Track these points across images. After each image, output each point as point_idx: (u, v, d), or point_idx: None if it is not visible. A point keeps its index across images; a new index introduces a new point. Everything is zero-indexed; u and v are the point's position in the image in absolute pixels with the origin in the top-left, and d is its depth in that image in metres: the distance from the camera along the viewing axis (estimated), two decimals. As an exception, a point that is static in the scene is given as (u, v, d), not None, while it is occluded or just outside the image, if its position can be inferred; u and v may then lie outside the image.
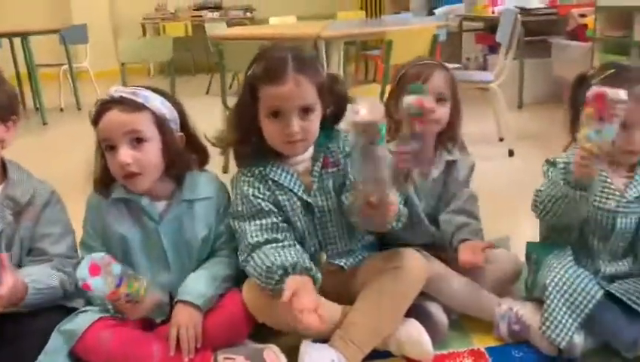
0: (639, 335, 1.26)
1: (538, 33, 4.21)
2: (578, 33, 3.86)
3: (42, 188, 1.37)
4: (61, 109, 4.90)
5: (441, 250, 1.53)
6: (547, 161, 1.42)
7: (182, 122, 1.39)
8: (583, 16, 3.82)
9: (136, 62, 3.28)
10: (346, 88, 1.47)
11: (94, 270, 1.12)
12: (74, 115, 4.73)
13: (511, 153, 3.00)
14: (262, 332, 1.35)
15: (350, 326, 1.29)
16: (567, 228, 1.39)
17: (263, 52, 1.36)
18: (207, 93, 5.26)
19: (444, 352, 1.36)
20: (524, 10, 4.05)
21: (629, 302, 1.29)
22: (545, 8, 4.17)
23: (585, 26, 3.73)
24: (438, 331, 1.38)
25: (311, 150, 1.40)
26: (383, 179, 1.16)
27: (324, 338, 1.30)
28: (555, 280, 1.30)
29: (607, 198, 1.35)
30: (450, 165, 1.55)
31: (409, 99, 1.29)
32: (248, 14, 6.95)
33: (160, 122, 1.31)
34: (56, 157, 3.23)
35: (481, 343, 1.39)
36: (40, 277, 1.26)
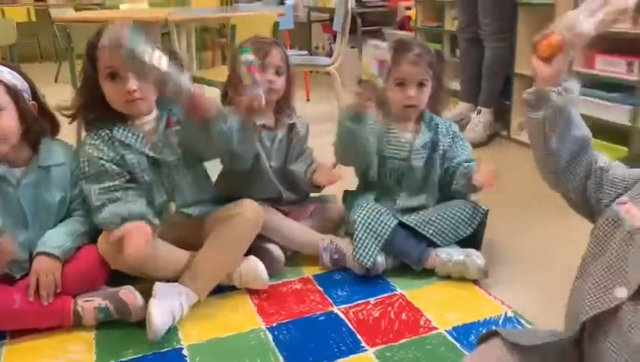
0: (423, 253, 1.65)
1: (374, 24, 4.70)
2: (405, 23, 4.39)
3: None
4: None
5: (284, 205, 1.81)
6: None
7: (32, 93, 1.50)
8: (408, 8, 4.36)
9: (-25, 45, 3.14)
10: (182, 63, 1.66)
11: None
12: None
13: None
14: (118, 280, 1.49)
15: (197, 264, 1.50)
16: (365, 173, 1.74)
17: (104, 27, 1.52)
18: (56, 81, 5.08)
19: (279, 282, 1.64)
20: (359, 3, 4.51)
21: (416, 228, 1.66)
22: (377, 1, 4.67)
23: (409, 17, 4.26)
24: (276, 266, 1.66)
25: (155, 112, 1.59)
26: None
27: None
28: (361, 215, 1.63)
29: (399, 149, 1.71)
30: (291, 127, 1.82)
31: (244, 55, 1.53)
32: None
33: (12, 92, 1.42)
34: None
35: (310, 272, 1.69)
36: None
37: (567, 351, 0.96)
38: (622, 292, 0.87)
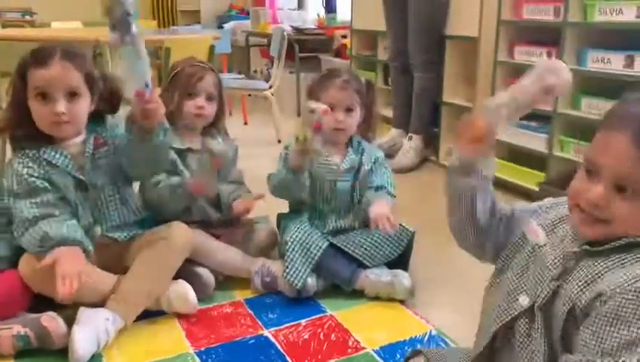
0: (353, 274, 1.69)
1: (311, 50, 4.80)
2: (341, 51, 4.52)
3: None
4: None
5: (214, 227, 1.80)
6: (285, 147, 1.79)
7: None
8: (344, 37, 4.49)
9: None
10: (119, 88, 1.66)
11: None
12: None
13: (286, 148, 3.42)
14: (41, 308, 1.43)
15: (123, 290, 1.47)
16: (300, 201, 1.78)
17: (36, 47, 1.49)
18: (-20, 99, 4.86)
19: (210, 306, 1.63)
20: (297, 30, 4.61)
21: (346, 249, 1.70)
22: (315, 29, 4.78)
23: (345, 45, 4.39)
24: (206, 290, 1.65)
25: (83, 135, 1.56)
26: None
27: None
28: (293, 236, 1.66)
29: (328, 172, 1.76)
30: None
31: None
32: (28, 17, 6.51)
33: None
34: None
35: (241, 296, 1.69)
36: None
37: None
38: (524, 300, 0.93)
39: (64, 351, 1.34)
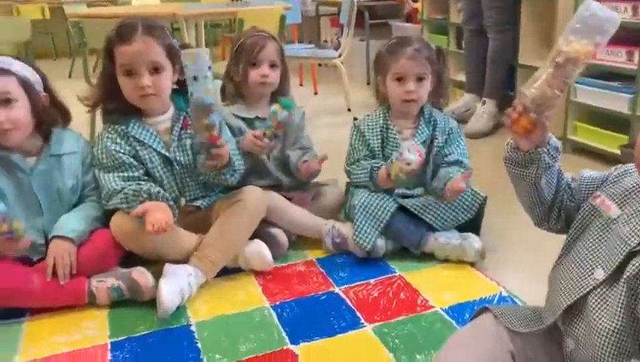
0: (423, 236, 1.70)
1: (381, 17, 4.74)
2: (412, 16, 4.43)
3: None
4: None
5: (285, 190, 1.87)
6: (354, 124, 1.82)
7: (44, 85, 1.58)
8: (415, 1, 4.39)
9: (-8, 41, 3.27)
10: None
11: None
12: None
13: (355, 120, 3.44)
14: (131, 263, 1.57)
15: (205, 247, 1.58)
16: None
17: (119, 23, 1.60)
18: (70, 76, 5.19)
19: (284, 264, 1.71)
20: (367, -4, 4.55)
21: (415, 212, 1.72)
22: (385, -7, 4.71)
23: (416, 10, 4.30)
24: (280, 249, 1.73)
25: (171, 111, 1.67)
26: (204, 101, 1.43)
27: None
28: (361, 200, 1.69)
29: (396, 150, 1.76)
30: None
31: (284, 114, 1.65)
32: (110, -4, 6.84)
33: (25, 84, 1.50)
34: None
35: (313, 255, 1.76)
36: None
37: (550, 329, 1.01)
38: (599, 274, 0.91)
39: (152, 303, 1.46)
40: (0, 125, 1.45)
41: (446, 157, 1.77)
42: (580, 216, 1.01)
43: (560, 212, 1.07)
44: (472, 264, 1.67)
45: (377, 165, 1.72)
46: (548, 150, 1.01)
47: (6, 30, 3.39)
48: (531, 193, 1.06)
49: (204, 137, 1.48)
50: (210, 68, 1.41)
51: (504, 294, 1.51)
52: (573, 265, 0.97)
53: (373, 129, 1.80)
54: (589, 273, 0.93)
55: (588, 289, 0.91)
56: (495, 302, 1.48)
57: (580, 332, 0.93)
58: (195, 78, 1.40)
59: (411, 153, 1.57)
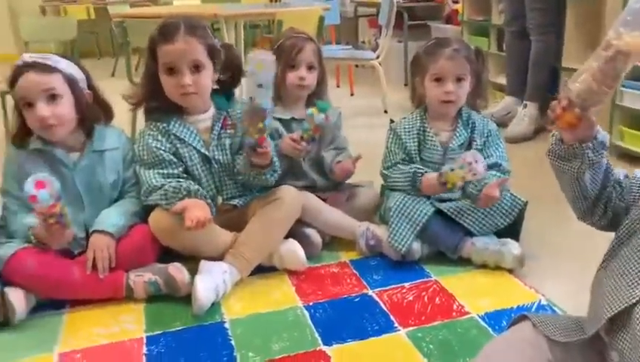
0: (460, 241, 1.67)
1: (421, 18, 4.70)
2: (452, 17, 4.37)
3: None
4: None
5: (319, 190, 1.87)
6: (390, 126, 1.80)
7: (88, 82, 1.62)
8: (455, 2, 4.33)
9: (40, 40, 3.37)
10: (239, 57, 1.77)
11: (39, 185, 1.33)
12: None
13: (392, 122, 3.42)
14: (168, 259, 1.59)
15: (240, 245, 1.59)
16: None
17: (161, 23, 1.63)
18: (113, 75, 5.33)
19: (318, 265, 1.70)
20: (406, -3, 4.52)
21: (452, 216, 1.69)
22: (425, -5, 4.66)
23: (456, 11, 4.24)
24: (313, 249, 1.72)
25: (212, 111, 1.69)
26: (263, 106, 1.46)
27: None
28: (397, 203, 1.68)
29: (433, 153, 1.75)
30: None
31: (320, 117, 1.66)
32: (152, -3, 6.99)
33: (70, 81, 1.54)
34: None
35: (347, 257, 1.75)
36: None
37: (592, 339, 0.97)
38: None
39: (187, 299, 1.47)
40: (45, 120, 1.49)
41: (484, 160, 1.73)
42: (628, 220, 0.97)
43: (606, 209, 1.03)
44: (510, 270, 1.63)
45: (421, 171, 1.70)
46: (593, 145, 0.98)
47: (54, 29, 3.50)
48: (574, 187, 1.03)
49: (254, 139, 1.51)
50: (275, 76, 1.47)
51: (543, 302, 1.47)
52: (618, 273, 0.93)
53: (409, 131, 1.78)
54: (636, 283, 0.89)
55: (634, 301, 0.88)
56: (533, 310, 1.44)
57: (625, 345, 0.89)
58: (259, 86, 1.44)
59: (479, 164, 1.56)
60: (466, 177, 1.57)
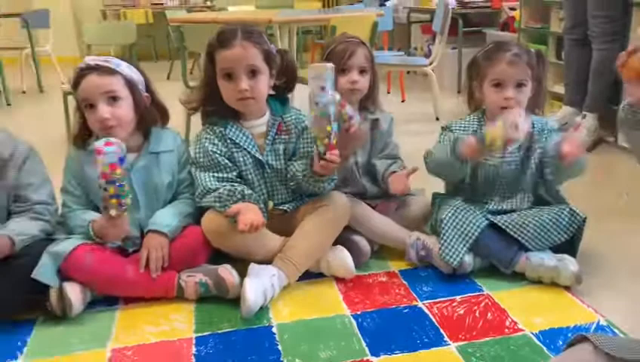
0: (514, 256, 1.62)
1: (476, 24, 4.61)
2: (508, 24, 4.27)
3: (21, 145, 1.59)
4: (23, 92, 5.00)
5: (369, 198, 1.86)
6: (442, 128, 1.76)
7: (147, 85, 1.66)
8: (512, 9, 4.23)
9: (102, 43, 3.50)
10: (294, 63, 1.78)
11: (108, 144, 1.40)
12: (36, 96, 4.86)
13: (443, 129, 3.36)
14: (218, 261, 1.61)
15: (289, 249, 1.59)
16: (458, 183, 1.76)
17: (219, 29, 1.66)
18: (168, 78, 5.47)
19: (366, 273, 1.69)
20: (461, 3, 4.44)
21: (507, 230, 1.64)
22: (480, 1, 4.57)
23: (513, 18, 4.13)
24: (362, 257, 1.70)
25: (267, 116, 1.70)
26: (327, 111, 1.47)
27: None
28: (449, 215, 1.64)
29: (490, 156, 1.69)
30: (374, 122, 1.87)
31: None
32: (208, 2, 7.16)
33: (130, 84, 1.59)
34: (21, 133, 3.38)
35: (396, 267, 1.72)
36: (22, 230, 1.49)
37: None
38: None
39: (236, 301, 1.49)
40: (105, 121, 1.54)
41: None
42: None
43: None
44: (567, 288, 1.56)
45: (463, 137, 1.64)
46: None
47: (115, 34, 3.63)
48: None
49: (324, 144, 1.51)
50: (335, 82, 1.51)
51: (602, 323, 1.40)
52: None
53: (465, 131, 1.74)
54: None
55: None
56: (592, 330, 1.38)
57: None
58: (322, 88, 1.46)
59: (525, 121, 1.49)
60: (507, 135, 1.48)
